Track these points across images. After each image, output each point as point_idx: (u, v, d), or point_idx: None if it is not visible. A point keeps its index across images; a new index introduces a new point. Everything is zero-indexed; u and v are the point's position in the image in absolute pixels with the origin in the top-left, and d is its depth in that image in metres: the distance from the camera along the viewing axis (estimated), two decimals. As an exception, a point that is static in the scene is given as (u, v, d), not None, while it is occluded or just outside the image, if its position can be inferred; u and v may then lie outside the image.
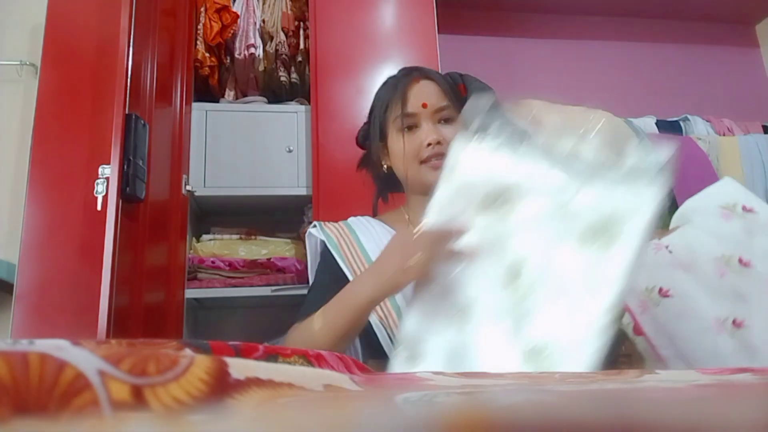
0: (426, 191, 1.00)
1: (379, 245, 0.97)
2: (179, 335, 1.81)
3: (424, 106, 0.99)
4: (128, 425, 0.24)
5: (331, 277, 0.96)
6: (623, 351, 2.05)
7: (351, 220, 1.07)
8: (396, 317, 0.91)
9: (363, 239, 1.00)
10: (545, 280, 0.65)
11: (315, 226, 1.04)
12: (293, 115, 2.08)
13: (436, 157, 0.96)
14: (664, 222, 2.34)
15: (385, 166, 1.05)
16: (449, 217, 0.77)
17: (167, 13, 1.91)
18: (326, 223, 1.05)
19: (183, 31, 2.02)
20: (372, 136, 1.06)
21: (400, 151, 1.00)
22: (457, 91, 1.06)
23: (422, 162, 0.98)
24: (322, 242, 1.02)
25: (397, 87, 1.03)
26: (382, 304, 0.90)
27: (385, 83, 1.07)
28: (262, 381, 0.31)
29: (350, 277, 0.95)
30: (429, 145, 0.97)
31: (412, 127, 1.00)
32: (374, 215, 1.12)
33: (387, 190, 1.13)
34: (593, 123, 0.69)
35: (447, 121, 1.01)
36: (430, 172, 0.96)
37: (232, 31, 2.09)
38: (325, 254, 1.01)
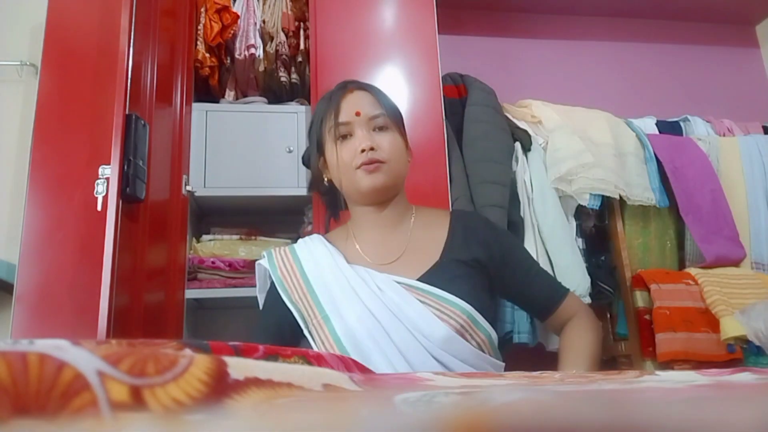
0: (362, 199, 1.02)
1: (318, 265, 0.99)
2: (179, 335, 1.81)
3: (357, 114, 1.00)
4: (127, 426, 0.24)
5: (273, 319, 1.02)
6: (623, 351, 2.05)
7: (298, 243, 1.07)
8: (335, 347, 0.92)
9: (304, 263, 1.01)
10: None
11: (264, 256, 1.06)
12: (293, 116, 2.08)
13: (370, 162, 0.97)
14: (663, 221, 2.31)
15: (326, 179, 1.06)
16: None
17: (167, 14, 1.91)
18: (276, 249, 1.06)
19: (183, 32, 2.01)
20: (311, 152, 1.07)
21: (336, 160, 1.00)
22: (393, 104, 1.06)
23: (357, 168, 0.98)
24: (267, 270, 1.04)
25: (331, 99, 1.03)
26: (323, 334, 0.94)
27: (321, 98, 1.08)
28: (261, 381, 0.31)
29: (292, 309, 0.97)
30: (363, 151, 0.97)
31: (346, 136, 1.00)
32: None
33: (338, 208, 1.14)
34: None
35: (381, 129, 1.01)
36: (365, 176, 0.98)
37: (232, 32, 2.09)
38: (272, 286, 1.03)
